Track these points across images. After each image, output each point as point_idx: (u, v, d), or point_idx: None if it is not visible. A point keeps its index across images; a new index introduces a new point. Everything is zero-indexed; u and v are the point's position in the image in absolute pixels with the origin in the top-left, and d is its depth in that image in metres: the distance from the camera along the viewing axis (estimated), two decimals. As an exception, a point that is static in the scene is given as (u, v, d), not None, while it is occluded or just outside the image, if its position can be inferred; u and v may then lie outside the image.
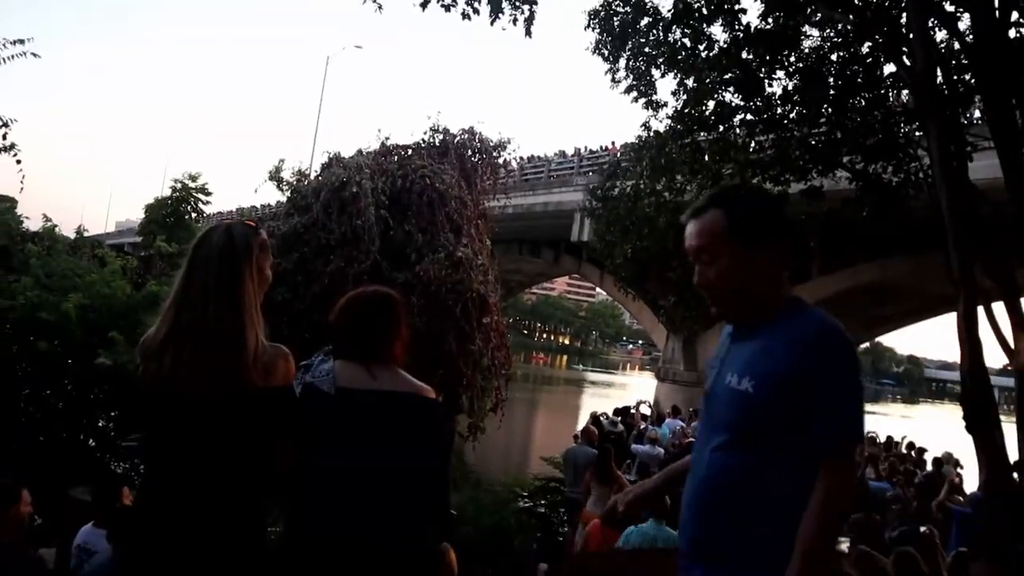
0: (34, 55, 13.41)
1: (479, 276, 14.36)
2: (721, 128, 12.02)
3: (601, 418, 17.21)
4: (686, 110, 12.04)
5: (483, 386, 14.48)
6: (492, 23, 9.10)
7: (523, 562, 12.24)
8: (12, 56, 13.40)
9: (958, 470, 15.36)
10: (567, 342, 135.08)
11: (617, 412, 19.89)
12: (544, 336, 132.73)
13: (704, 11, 11.88)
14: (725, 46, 11.70)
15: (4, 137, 13.71)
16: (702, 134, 12.28)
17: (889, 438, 21.30)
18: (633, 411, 19.83)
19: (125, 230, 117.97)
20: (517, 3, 9.92)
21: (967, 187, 9.30)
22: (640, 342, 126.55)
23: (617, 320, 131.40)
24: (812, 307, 2.06)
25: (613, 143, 37.48)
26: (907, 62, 9.96)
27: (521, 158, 43.92)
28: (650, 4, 12.30)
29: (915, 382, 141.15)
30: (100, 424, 12.12)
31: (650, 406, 22.28)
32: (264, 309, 2.70)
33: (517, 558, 12.35)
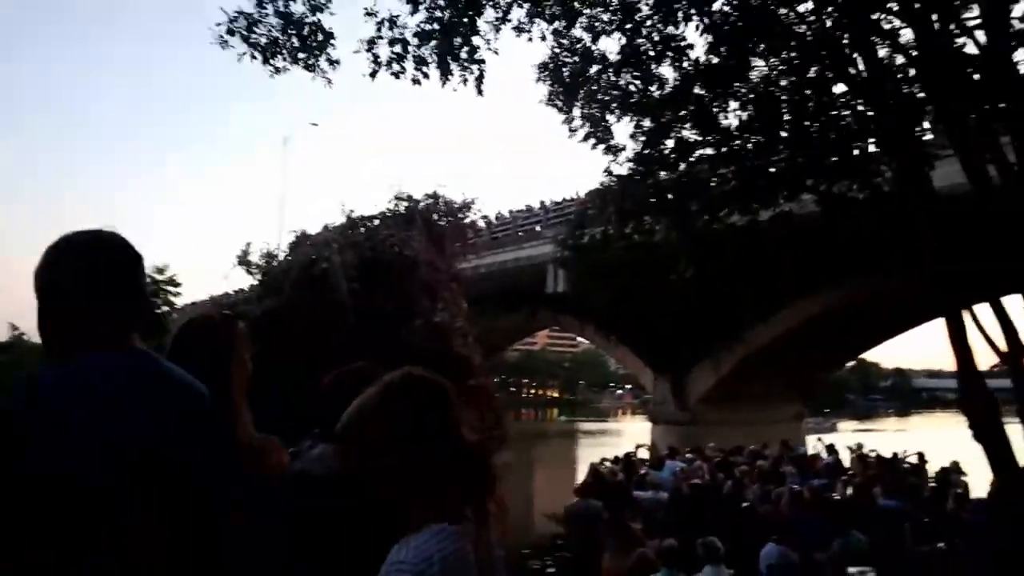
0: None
1: (459, 339, 14.22)
2: (682, 165, 12.08)
3: (600, 468, 16.91)
4: (645, 151, 12.10)
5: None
6: (443, 85, 9.13)
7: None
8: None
9: (963, 478, 15.22)
10: (555, 395, 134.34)
11: (616, 460, 19.60)
12: (531, 391, 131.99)
13: (651, 52, 12.00)
14: (676, 84, 11.81)
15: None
16: (663, 173, 12.33)
17: (894, 454, 21.14)
18: (632, 458, 19.54)
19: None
20: (465, 64, 9.97)
21: (931, 195, 9.37)
22: (628, 387, 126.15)
23: (603, 367, 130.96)
24: None
25: (578, 193, 37.78)
26: (855, 78, 10.11)
27: (486, 217, 44.18)
28: (597, 51, 12.43)
29: (905, 394, 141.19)
30: None
31: (648, 450, 21.99)
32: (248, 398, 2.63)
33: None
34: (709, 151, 11.93)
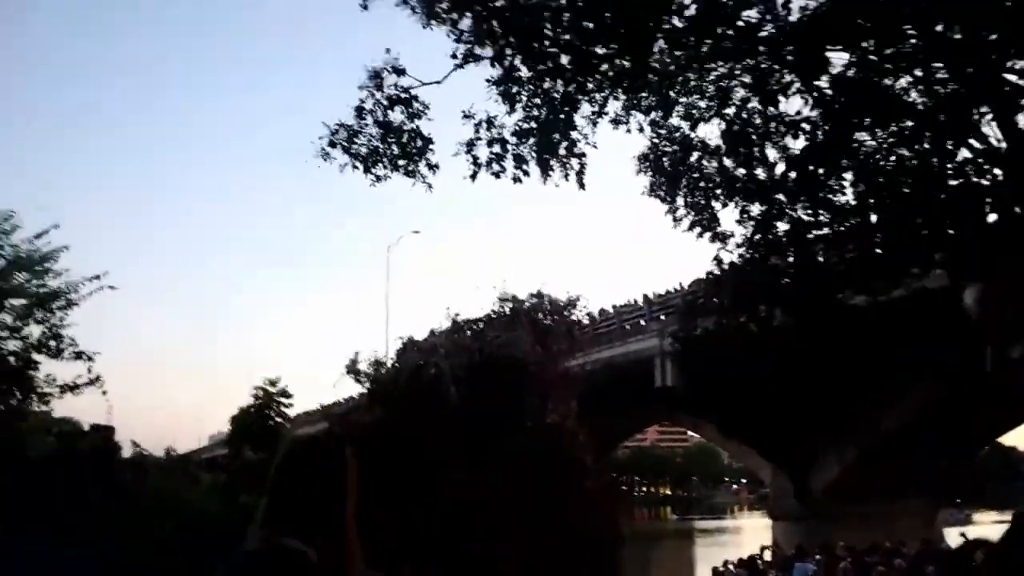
0: (111, 288, 13.97)
1: (569, 439, 13.84)
2: (794, 248, 11.61)
3: (724, 573, 15.98)
4: (756, 236, 11.69)
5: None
6: (544, 182, 9.05)
7: None
8: (90, 292, 13.98)
9: None
10: (667, 491, 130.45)
11: (741, 563, 18.54)
12: (643, 489, 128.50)
13: (754, 135, 11.74)
14: (784, 165, 11.46)
15: (89, 371, 14.14)
16: (776, 259, 11.85)
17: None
18: (759, 560, 18.43)
19: (218, 443, 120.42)
20: (564, 160, 9.91)
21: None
22: (744, 480, 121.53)
23: (716, 460, 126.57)
24: None
25: (681, 284, 37.22)
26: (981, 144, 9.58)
27: (590, 313, 43.93)
28: (696, 139, 12.23)
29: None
30: None
31: (772, 550, 20.74)
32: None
33: None
34: (824, 231, 11.43)
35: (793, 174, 11.39)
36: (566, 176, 9.07)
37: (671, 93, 11.48)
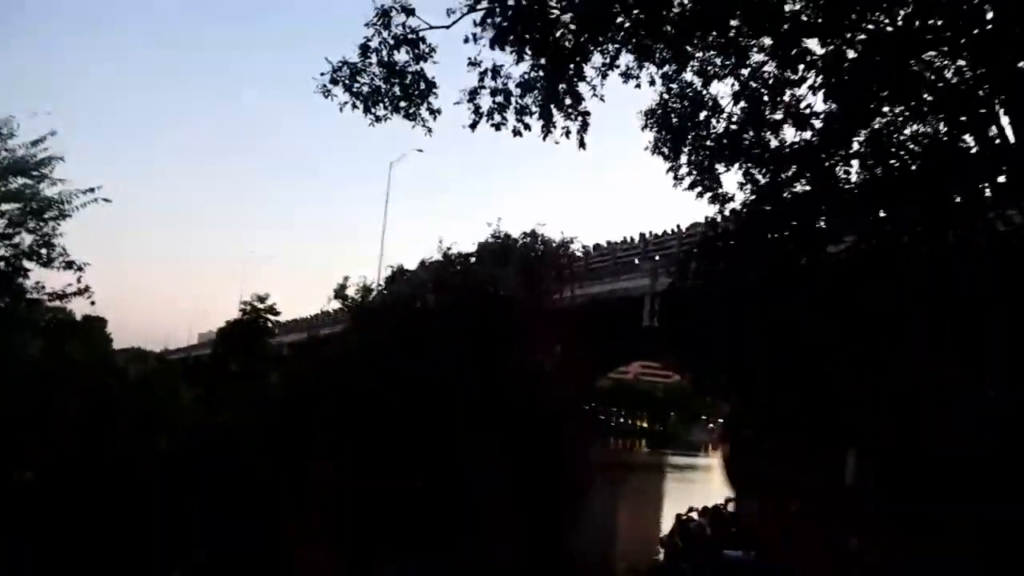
0: (105, 200, 13.79)
1: (551, 384, 13.93)
2: (795, 222, 11.46)
3: (689, 524, 16.27)
4: (757, 205, 11.53)
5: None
6: (544, 138, 8.82)
7: None
8: (84, 204, 13.81)
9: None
10: (645, 425, 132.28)
11: (704, 512, 18.89)
12: (621, 421, 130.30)
13: (766, 97, 11.49)
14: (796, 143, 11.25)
15: (79, 280, 14.09)
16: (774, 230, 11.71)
17: None
18: (722, 510, 18.77)
19: (207, 342, 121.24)
20: (569, 113, 9.65)
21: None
22: (721, 420, 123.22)
23: (695, 399, 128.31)
24: None
25: (679, 226, 36.94)
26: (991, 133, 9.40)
27: (585, 247, 43.81)
28: (708, 96, 11.95)
29: None
30: None
31: (737, 503, 21.12)
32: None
33: None
34: (825, 207, 11.29)
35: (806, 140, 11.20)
36: (567, 133, 8.84)
37: (687, 47, 11.16)
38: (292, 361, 16.08)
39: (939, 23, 10.06)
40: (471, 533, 11.91)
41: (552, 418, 13.76)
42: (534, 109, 9.36)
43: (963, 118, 10.12)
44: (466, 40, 9.04)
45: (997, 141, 9.59)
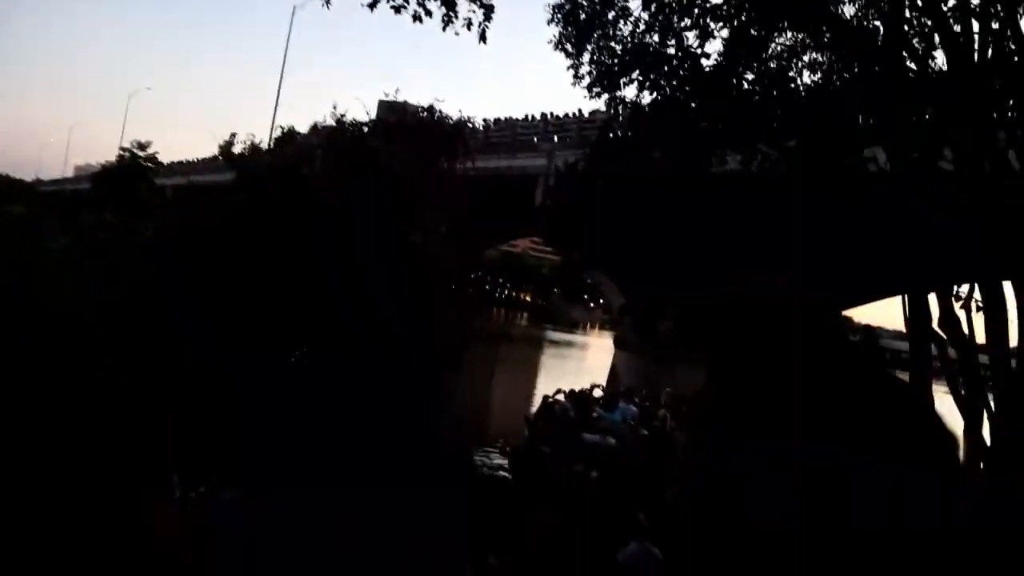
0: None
1: (431, 265, 14.10)
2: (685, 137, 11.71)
3: (554, 407, 16.97)
4: (650, 117, 11.69)
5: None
6: (444, 28, 8.60)
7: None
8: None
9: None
10: (528, 298, 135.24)
11: (571, 396, 19.67)
12: (506, 292, 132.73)
13: (675, 7, 11.51)
14: (695, 49, 11.35)
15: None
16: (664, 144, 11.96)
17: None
18: (587, 395, 19.58)
19: (84, 176, 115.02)
20: (473, 5, 9.37)
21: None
22: (601, 300, 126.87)
23: (581, 279, 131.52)
24: None
25: (580, 110, 37.00)
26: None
27: (485, 120, 43.36)
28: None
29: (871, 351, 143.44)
30: None
31: (603, 389, 22.05)
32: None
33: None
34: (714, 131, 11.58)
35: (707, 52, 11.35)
36: (468, 26, 8.63)
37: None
38: (173, 212, 15.63)
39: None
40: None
41: (430, 292, 13.99)
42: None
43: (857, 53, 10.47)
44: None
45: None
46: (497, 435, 26.38)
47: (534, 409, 23.73)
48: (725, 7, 10.77)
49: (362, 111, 16.00)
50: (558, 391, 19.87)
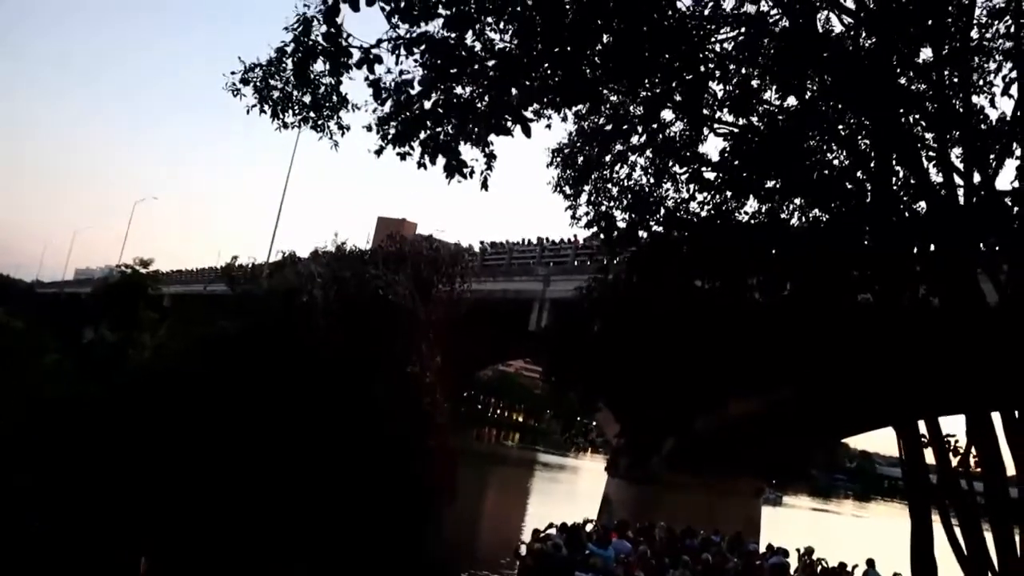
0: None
1: (427, 396, 14.05)
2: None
3: (544, 546, 16.64)
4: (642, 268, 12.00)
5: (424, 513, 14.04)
6: (448, 181, 8.87)
7: None
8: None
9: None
10: (520, 419, 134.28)
11: (563, 528, 19.33)
12: (498, 412, 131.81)
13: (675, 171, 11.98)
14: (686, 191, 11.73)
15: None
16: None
17: (842, 565, 20.79)
18: (582, 529, 19.23)
19: (84, 279, 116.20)
20: (476, 152, 9.64)
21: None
22: (594, 423, 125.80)
23: (572, 403, 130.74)
24: None
25: (575, 236, 37.68)
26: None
27: (482, 242, 44.12)
28: (617, 142, 12.22)
29: (867, 478, 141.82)
30: None
31: (595, 524, 21.66)
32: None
33: None
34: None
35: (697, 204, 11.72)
36: (471, 174, 8.91)
37: (603, 91, 11.41)
38: (170, 336, 15.69)
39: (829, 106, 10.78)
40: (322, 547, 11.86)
41: (424, 426, 13.90)
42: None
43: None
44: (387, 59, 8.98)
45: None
46: (488, 563, 25.76)
47: (525, 536, 23.36)
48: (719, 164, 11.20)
49: (362, 236, 16.36)
50: (550, 525, 19.58)
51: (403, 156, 8.79)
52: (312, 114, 9.34)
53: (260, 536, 11.06)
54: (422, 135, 8.70)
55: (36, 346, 14.05)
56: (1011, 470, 9.46)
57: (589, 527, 20.16)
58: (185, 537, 10.73)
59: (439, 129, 8.78)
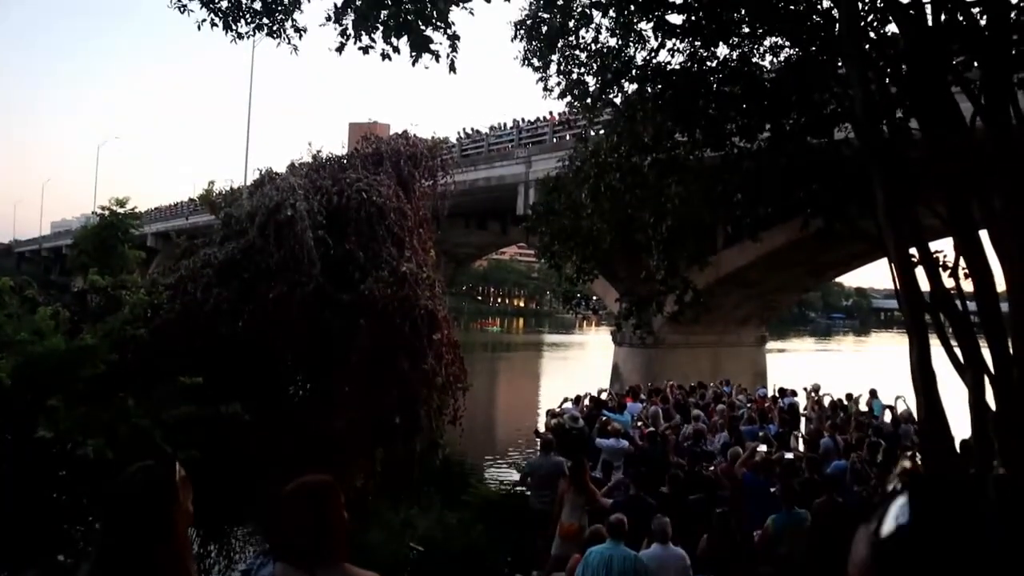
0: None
1: (425, 291, 14.04)
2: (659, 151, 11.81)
3: (562, 421, 17.02)
4: (619, 135, 11.80)
5: (439, 404, 14.24)
6: (413, 64, 8.62)
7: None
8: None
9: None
10: (521, 304, 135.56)
11: (576, 400, 19.77)
12: (498, 301, 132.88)
13: (633, 9, 11.60)
14: (656, 42, 11.47)
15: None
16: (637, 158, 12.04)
17: (848, 395, 21.29)
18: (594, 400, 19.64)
19: (62, 231, 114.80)
20: (439, 27, 9.40)
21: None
22: (595, 297, 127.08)
23: (568, 276, 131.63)
24: None
25: (551, 113, 37.10)
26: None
27: (459, 132, 43.49)
28: (578, 4, 11.92)
29: (864, 313, 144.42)
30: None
31: (609, 393, 22.13)
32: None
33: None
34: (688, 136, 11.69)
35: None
36: (436, 58, 8.67)
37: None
38: (153, 277, 15.60)
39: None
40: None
41: (427, 323, 13.99)
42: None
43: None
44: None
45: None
46: (506, 448, 26.43)
47: (541, 417, 23.91)
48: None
49: (336, 145, 16.06)
50: (564, 399, 20.02)
51: (365, 50, 8.54)
52: (266, 20, 9.02)
53: (269, 440, 11.27)
54: (383, 15, 8.41)
55: (27, 299, 13.78)
56: (1000, 286, 9.61)
57: (604, 396, 20.64)
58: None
59: (399, 7, 8.50)
